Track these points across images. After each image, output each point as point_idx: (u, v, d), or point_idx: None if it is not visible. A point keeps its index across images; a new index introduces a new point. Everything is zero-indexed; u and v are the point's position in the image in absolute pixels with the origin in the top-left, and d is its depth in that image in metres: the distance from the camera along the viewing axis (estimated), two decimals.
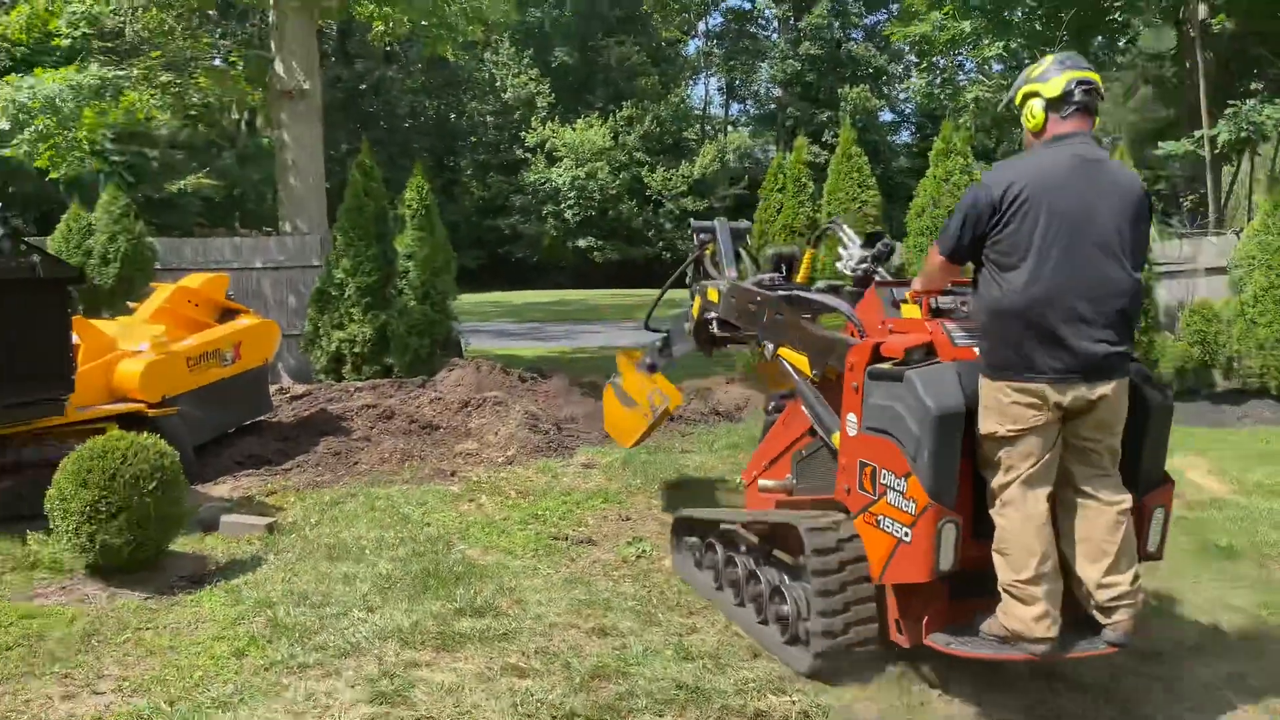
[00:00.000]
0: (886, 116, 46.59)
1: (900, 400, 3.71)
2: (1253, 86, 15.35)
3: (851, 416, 4.03)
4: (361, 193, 11.59)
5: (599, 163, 36.44)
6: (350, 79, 35.21)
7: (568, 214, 36.65)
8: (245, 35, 29.47)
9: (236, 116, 25.64)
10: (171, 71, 14.10)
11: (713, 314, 5.78)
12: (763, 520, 4.60)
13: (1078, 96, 3.69)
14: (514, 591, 5.09)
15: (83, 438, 6.45)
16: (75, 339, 6.69)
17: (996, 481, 3.66)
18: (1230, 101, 13.07)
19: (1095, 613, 3.67)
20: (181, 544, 5.78)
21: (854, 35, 44.72)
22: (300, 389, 11.01)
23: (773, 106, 47.39)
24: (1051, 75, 3.75)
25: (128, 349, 7.53)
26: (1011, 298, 3.59)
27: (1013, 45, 16.01)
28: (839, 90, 41.40)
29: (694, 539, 5.32)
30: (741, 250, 6.16)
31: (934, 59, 17.52)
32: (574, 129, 36.84)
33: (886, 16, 44.56)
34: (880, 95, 43.55)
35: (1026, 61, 16.87)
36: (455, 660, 4.26)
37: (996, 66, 18.18)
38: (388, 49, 35.25)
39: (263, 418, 9.25)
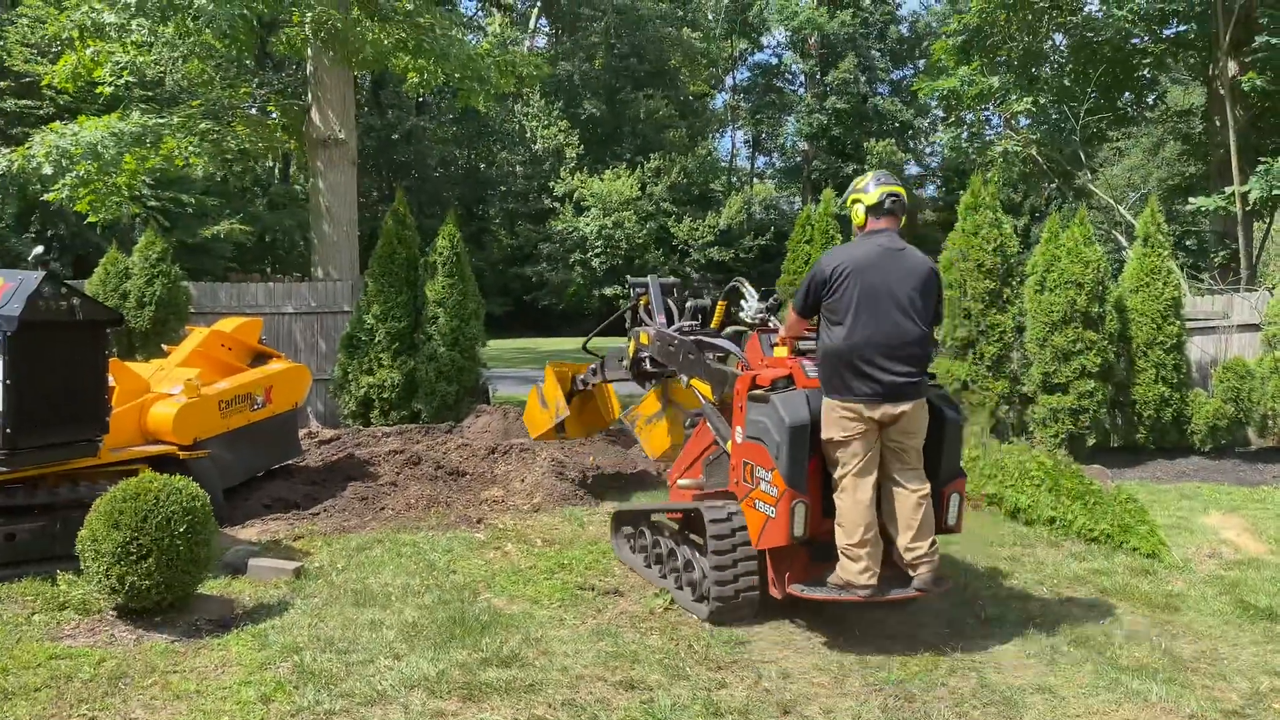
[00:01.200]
0: (912, 169, 46.79)
1: (767, 416, 5.17)
2: None
3: (739, 428, 5.47)
4: (394, 240, 11.73)
5: (626, 212, 36.71)
6: (383, 128, 35.75)
7: (594, 262, 36.88)
8: (282, 84, 30.13)
9: (271, 164, 26.14)
10: (210, 119, 14.38)
11: (645, 354, 7.36)
12: (677, 509, 6.16)
13: (887, 205, 5.27)
14: (540, 642, 5.05)
15: (115, 479, 6.51)
16: (111, 381, 6.77)
17: (835, 474, 5.11)
18: (1261, 158, 13.03)
19: (906, 568, 5.13)
20: (209, 587, 5.79)
21: (880, 90, 45.04)
22: (329, 433, 11.08)
23: (799, 159, 47.68)
24: (871, 188, 5.31)
25: (161, 391, 7.60)
26: (838, 344, 5.08)
27: (1041, 100, 16.07)
28: (865, 144, 41.61)
29: (628, 528, 6.70)
30: (669, 301, 7.63)
31: (962, 114, 17.59)
32: (602, 179, 37.19)
33: (913, 71, 44.97)
34: (906, 149, 43.75)
35: (1054, 116, 16.97)
36: (481, 711, 4.22)
37: (1024, 121, 18.26)
38: (420, 100, 35.88)
39: (291, 462, 9.29)
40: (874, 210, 5.30)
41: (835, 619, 5.46)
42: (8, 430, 5.69)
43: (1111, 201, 17.95)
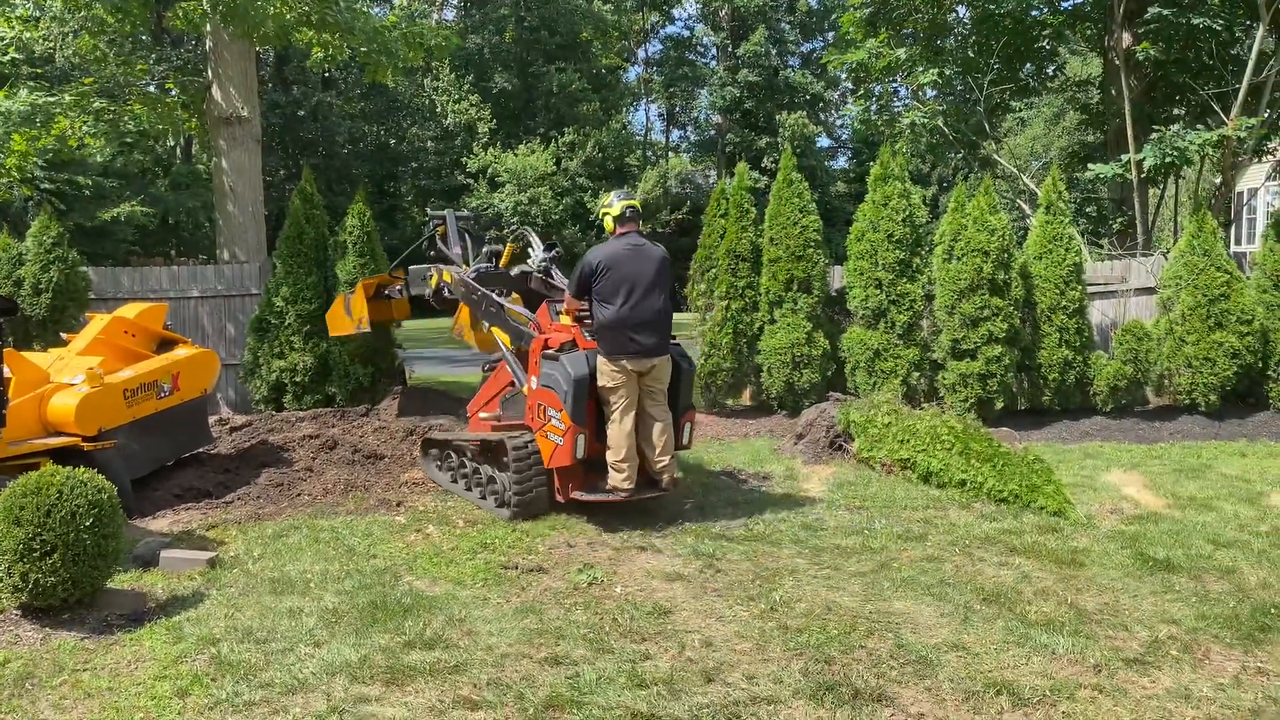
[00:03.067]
0: (824, 142, 47.37)
1: (557, 370, 6.85)
2: (1175, 113, 15.83)
3: (534, 378, 7.10)
4: (302, 219, 11.47)
5: (542, 188, 36.42)
6: (288, 104, 34.79)
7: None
8: (181, 60, 29.11)
9: (171, 143, 25.25)
10: (105, 98, 13.82)
11: (445, 290, 8.64)
12: (483, 438, 7.57)
13: (628, 214, 7.17)
14: (464, 622, 5.04)
15: (15, 473, 6.28)
16: (6, 372, 6.51)
17: (608, 411, 6.92)
18: (1155, 127, 13.45)
19: (654, 475, 7.08)
20: (120, 581, 5.64)
21: (791, 63, 45.42)
22: (240, 420, 10.82)
23: (712, 133, 47.89)
24: (615, 203, 7.22)
25: (62, 381, 7.34)
26: (608, 318, 6.85)
27: (947, 72, 16.34)
28: (777, 117, 41.97)
29: (436, 451, 8.43)
30: (465, 234, 9.18)
31: (870, 86, 17.79)
32: (516, 154, 36.81)
33: (823, 44, 45.42)
34: (817, 121, 44.21)
35: (959, 88, 17.30)
36: (406, 694, 4.19)
37: (930, 93, 18.56)
38: (326, 75, 35.00)
39: (202, 450, 9.06)
40: (619, 219, 7.17)
41: (763, 593, 5.55)
42: None
43: (1015, 170, 18.38)
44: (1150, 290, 11.91)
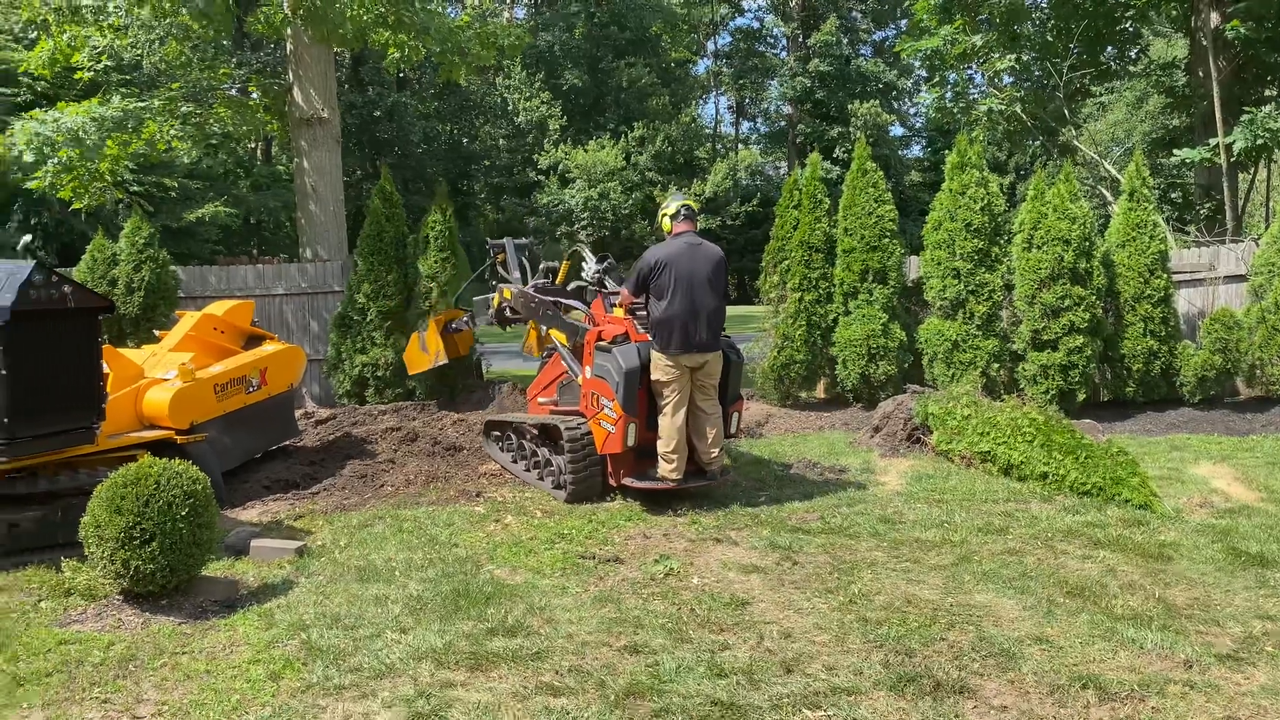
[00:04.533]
0: (897, 131, 46.69)
1: (610, 362, 7.18)
2: (1267, 93, 15.30)
3: (588, 368, 7.47)
4: (382, 218, 11.70)
5: (611, 183, 36.53)
6: (364, 105, 35.42)
7: (582, 234, 36.76)
8: (261, 64, 29.83)
9: (252, 145, 25.91)
10: (191, 102, 14.26)
11: (506, 308, 9.25)
12: (541, 422, 8.00)
13: (683, 214, 7.42)
14: (544, 610, 5.12)
15: (113, 465, 6.54)
16: (105, 368, 6.78)
17: (661, 404, 7.16)
18: (1245, 109, 13.02)
19: (702, 465, 7.35)
20: (213, 569, 5.84)
21: (863, 51, 44.86)
22: (325, 413, 11.10)
23: (783, 123, 47.54)
24: (672, 204, 7.50)
25: (156, 376, 7.61)
26: (665, 314, 7.06)
27: (1024, 58, 16.01)
28: (849, 106, 41.46)
29: (498, 433, 9.04)
30: (523, 258, 9.64)
31: (945, 73, 17.50)
32: (586, 150, 36.99)
33: (895, 32, 44.75)
34: (890, 110, 43.59)
35: (1037, 73, 16.93)
36: (490, 680, 4.28)
37: (1008, 79, 18.20)
38: (401, 75, 35.55)
39: (289, 442, 9.32)
40: (675, 218, 7.44)
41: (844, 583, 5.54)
42: (5, 421, 5.71)
43: (1096, 157, 17.93)
44: (1240, 278, 11.55)
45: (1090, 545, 6.24)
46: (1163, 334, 10.91)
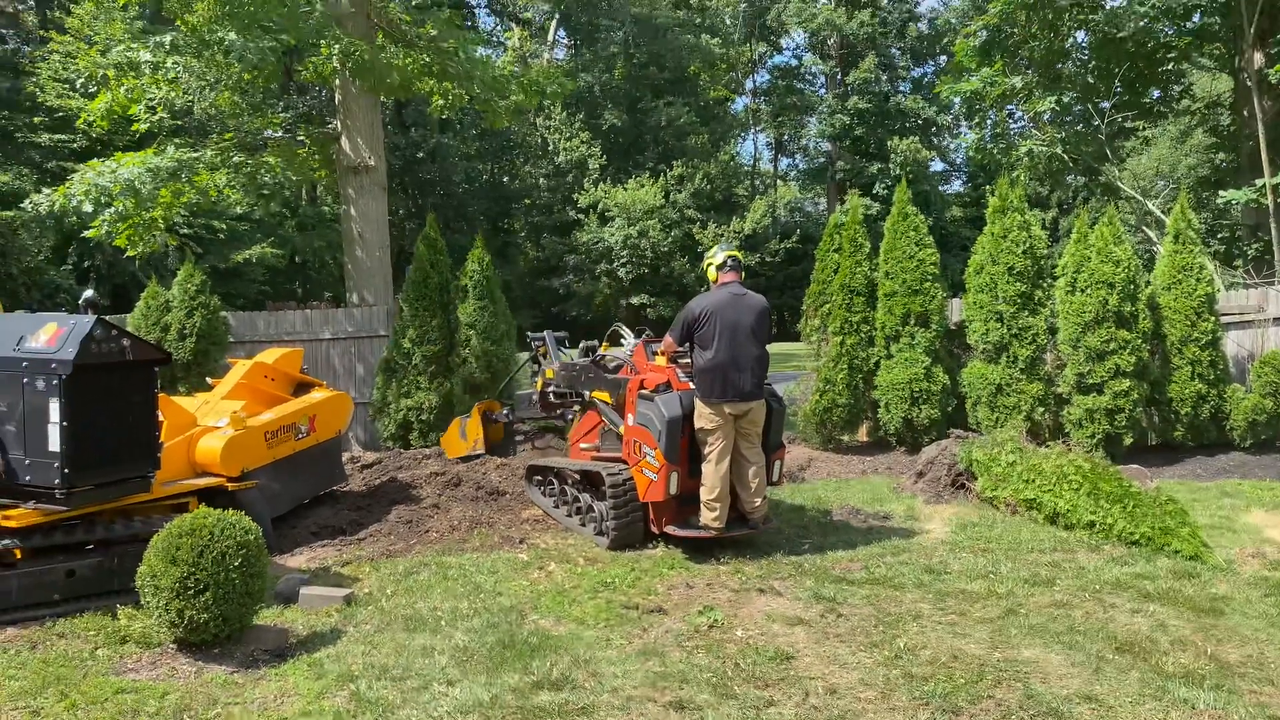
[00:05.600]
0: (937, 166, 46.54)
1: (652, 410, 7.23)
2: None
3: (630, 415, 7.53)
4: (427, 265, 11.91)
5: (651, 221, 36.72)
6: (407, 147, 36.00)
7: (621, 272, 36.94)
8: (306, 108, 30.43)
9: (299, 189, 26.43)
10: (242, 150, 14.61)
11: (551, 388, 9.59)
12: (583, 468, 8.08)
13: (729, 264, 7.51)
14: (589, 663, 5.15)
15: (166, 513, 6.70)
16: (159, 416, 6.94)
17: (705, 452, 7.20)
18: None
19: (745, 513, 7.38)
20: (263, 617, 5.93)
21: (902, 88, 44.87)
22: (370, 457, 11.24)
23: (822, 160, 47.58)
24: (717, 255, 7.57)
25: (208, 425, 7.78)
26: (709, 362, 7.17)
27: (1065, 99, 15.98)
28: (889, 142, 41.44)
29: (539, 478, 9.08)
30: (563, 349, 10.11)
31: (985, 113, 17.51)
32: (625, 189, 37.26)
33: (934, 68, 44.80)
34: (930, 146, 43.51)
35: (1078, 111, 16.88)
36: None
37: (1048, 118, 18.15)
38: (443, 118, 36.14)
39: (336, 487, 9.45)
40: (721, 268, 7.54)
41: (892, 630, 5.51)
42: (65, 471, 5.86)
43: (1140, 196, 17.80)
44: None
45: (1140, 598, 6.16)
46: (1211, 377, 10.78)
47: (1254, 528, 8.03)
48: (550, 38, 44.56)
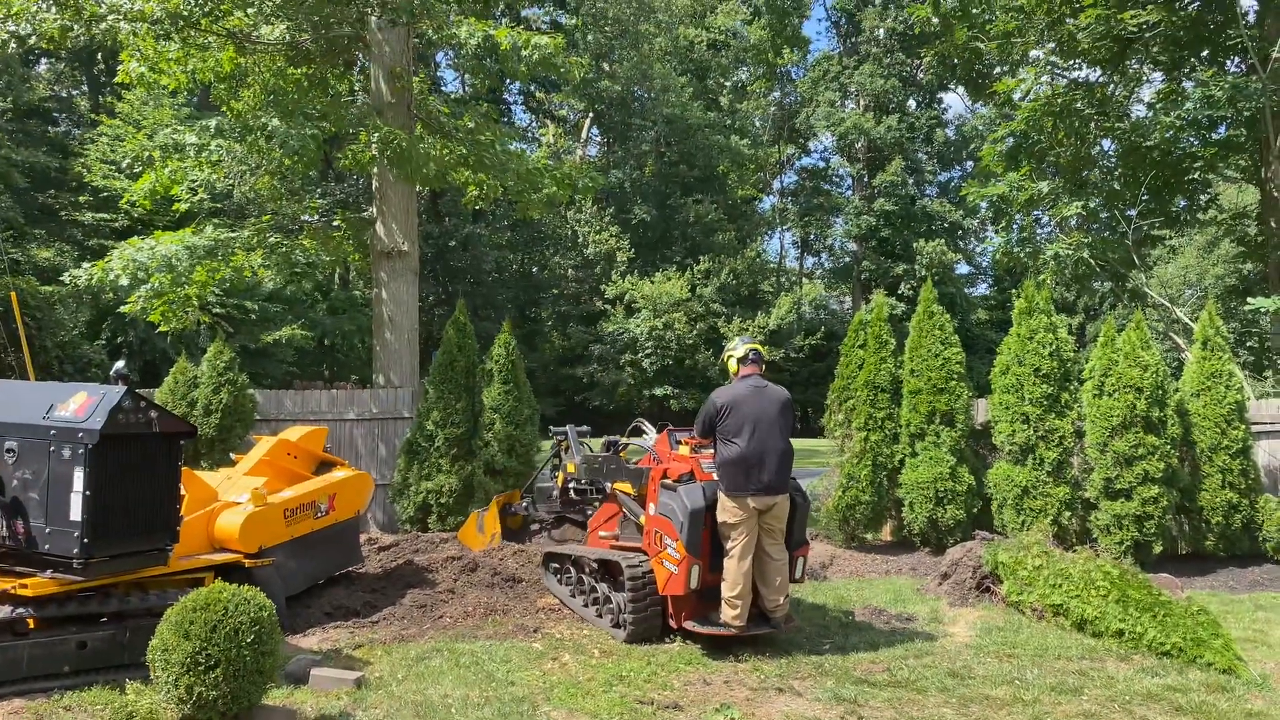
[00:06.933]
0: (963, 269, 46.83)
1: (675, 501, 7.15)
2: None
3: (652, 505, 7.42)
4: (454, 348, 12.02)
5: (676, 313, 37.05)
6: (440, 235, 36.68)
7: (645, 363, 37.14)
8: (343, 194, 31.15)
9: (331, 271, 26.89)
10: (279, 232, 14.92)
11: (571, 482, 9.56)
12: (601, 557, 7.88)
13: (750, 356, 7.51)
14: None
15: (182, 586, 6.66)
16: (181, 490, 6.95)
17: (727, 546, 7.07)
18: None
19: (767, 612, 7.21)
20: (272, 697, 5.84)
21: (928, 192, 45.45)
22: (388, 539, 11.17)
23: (847, 260, 48.01)
24: (739, 348, 7.56)
25: (229, 500, 7.78)
26: (733, 455, 7.06)
27: (1091, 204, 16.10)
28: (914, 244, 41.83)
29: (556, 565, 8.88)
30: (585, 443, 9.95)
31: (1012, 217, 17.66)
32: (652, 281, 37.69)
33: (961, 173, 45.40)
34: (956, 249, 43.85)
35: (1104, 217, 16.99)
36: None
37: (1074, 223, 18.28)
38: (477, 209, 36.90)
39: (352, 568, 9.38)
40: (742, 361, 7.53)
41: None
42: (85, 540, 5.86)
43: (1167, 303, 17.79)
44: None
45: (1172, 712, 5.97)
46: (1243, 486, 10.60)
47: None
48: (584, 135, 45.65)
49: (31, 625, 5.98)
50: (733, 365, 7.62)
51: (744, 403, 7.21)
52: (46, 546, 5.94)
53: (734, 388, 7.41)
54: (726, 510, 7.06)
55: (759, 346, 7.64)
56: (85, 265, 13.32)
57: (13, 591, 5.87)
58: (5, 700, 5.65)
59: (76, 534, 5.85)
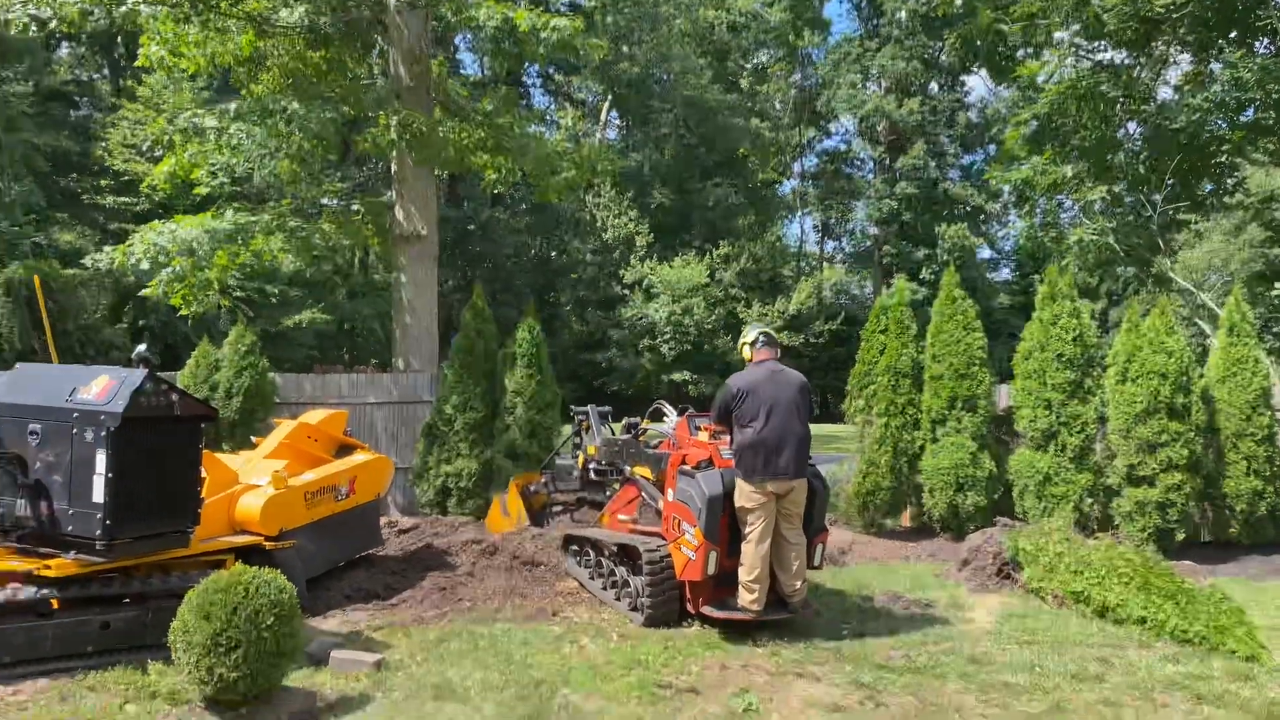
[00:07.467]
0: (985, 254, 46.48)
1: (693, 488, 7.16)
2: None
3: (670, 490, 7.47)
4: (473, 333, 12.03)
5: (695, 298, 36.89)
6: (459, 219, 36.66)
7: (664, 348, 37.04)
8: (364, 178, 31.16)
9: (351, 256, 26.97)
10: (299, 216, 14.95)
11: (592, 464, 9.56)
12: (620, 541, 7.86)
13: (762, 341, 7.51)
14: None
15: (203, 569, 6.70)
16: (202, 472, 6.98)
17: (745, 531, 7.05)
18: None
19: (784, 596, 7.19)
20: (293, 679, 5.86)
21: (951, 175, 45.07)
22: (408, 522, 11.22)
23: (869, 244, 47.74)
24: (751, 332, 7.60)
25: (250, 483, 7.82)
26: (749, 440, 7.02)
27: (1116, 189, 15.93)
28: (936, 229, 41.52)
29: (576, 547, 8.88)
30: (608, 423, 9.95)
31: (1035, 202, 17.48)
32: (671, 266, 37.56)
33: (984, 156, 44.99)
34: (978, 233, 43.51)
35: (1129, 201, 16.82)
36: None
37: (1099, 207, 18.08)
38: (495, 192, 36.92)
39: (372, 551, 9.42)
40: (754, 346, 7.55)
41: None
42: (107, 522, 5.90)
43: (1193, 288, 17.60)
44: None
45: (1193, 700, 5.92)
46: (1268, 473, 10.49)
47: None
48: (603, 118, 45.47)
49: (55, 606, 6.03)
50: (747, 353, 7.62)
51: (760, 387, 7.18)
52: (69, 528, 5.98)
53: (750, 372, 7.39)
54: (744, 495, 7.04)
55: (770, 330, 7.66)
56: (107, 249, 13.40)
57: (37, 572, 5.92)
58: (30, 680, 5.71)
59: (99, 516, 5.89)
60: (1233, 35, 15.38)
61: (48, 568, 5.91)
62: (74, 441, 5.99)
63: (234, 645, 5.19)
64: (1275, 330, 17.08)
